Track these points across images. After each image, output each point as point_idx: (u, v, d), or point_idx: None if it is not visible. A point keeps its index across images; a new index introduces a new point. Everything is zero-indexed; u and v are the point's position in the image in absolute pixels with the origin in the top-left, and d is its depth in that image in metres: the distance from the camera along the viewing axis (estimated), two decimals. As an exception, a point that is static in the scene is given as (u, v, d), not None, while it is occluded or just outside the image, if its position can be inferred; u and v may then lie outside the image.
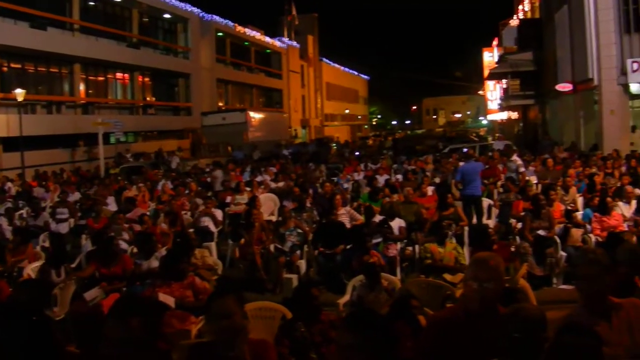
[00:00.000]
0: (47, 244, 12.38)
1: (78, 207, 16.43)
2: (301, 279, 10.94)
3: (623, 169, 17.56)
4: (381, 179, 18.22)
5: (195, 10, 49.93)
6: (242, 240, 11.55)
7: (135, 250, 10.83)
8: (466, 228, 12.29)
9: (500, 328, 3.52)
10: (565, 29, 30.97)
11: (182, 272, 7.66)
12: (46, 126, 33.39)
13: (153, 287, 7.55)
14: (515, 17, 52.67)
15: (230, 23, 56.89)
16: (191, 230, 12.87)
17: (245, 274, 11.06)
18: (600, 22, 25.98)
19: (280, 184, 19.23)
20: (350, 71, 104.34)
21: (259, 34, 64.41)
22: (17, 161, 27.44)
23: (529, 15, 48.40)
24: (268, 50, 68.80)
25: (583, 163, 19.19)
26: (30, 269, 9.81)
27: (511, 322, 3.50)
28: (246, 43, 62.48)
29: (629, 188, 12.91)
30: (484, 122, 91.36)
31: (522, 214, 12.02)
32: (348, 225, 12.25)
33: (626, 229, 11.03)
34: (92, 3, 39.00)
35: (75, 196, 18.42)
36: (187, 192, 17.04)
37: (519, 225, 11.81)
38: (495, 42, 62.39)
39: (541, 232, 10.93)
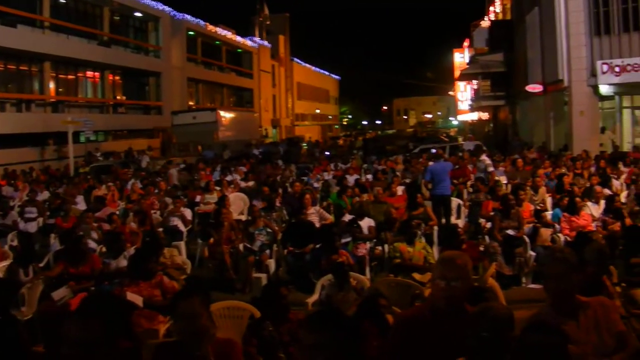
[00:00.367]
0: (15, 243, 12.23)
1: (47, 206, 16.21)
2: (270, 278, 10.90)
3: (592, 169, 17.77)
4: (351, 179, 18.29)
5: (167, 9, 49.66)
6: (211, 240, 11.50)
7: (104, 249, 10.71)
8: (435, 228, 12.41)
9: (468, 327, 3.51)
10: (536, 31, 31.24)
11: (150, 272, 7.62)
12: (15, 124, 33.03)
13: (121, 286, 7.51)
14: (486, 18, 53.05)
15: (202, 22, 56.73)
16: (160, 229, 12.76)
17: (214, 274, 11.06)
18: (570, 24, 26.26)
19: (250, 183, 19.19)
20: (322, 71, 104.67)
21: (230, 33, 64.24)
22: (-14, 159, 27.06)
23: (500, 16, 48.77)
24: (239, 50, 68.65)
25: (552, 163, 19.37)
26: (-2, 268, 9.67)
27: (479, 321, 3.49)
28: (217, 42, 62.35)
29: (597, 188, 13.04)
30: (455, 122, 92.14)
31: (492, 213, 12.07)
32: (317, 225, 12.23)
33: (595, 229, 11.15)
34: (62, 1, 38.59)
35: (44, 195, 18.21)
36: (156, 191, 16.90)
37: (489, 224, 11.85)
38: (466, 43, 62.68)
39: (510, 232, 10.97)
